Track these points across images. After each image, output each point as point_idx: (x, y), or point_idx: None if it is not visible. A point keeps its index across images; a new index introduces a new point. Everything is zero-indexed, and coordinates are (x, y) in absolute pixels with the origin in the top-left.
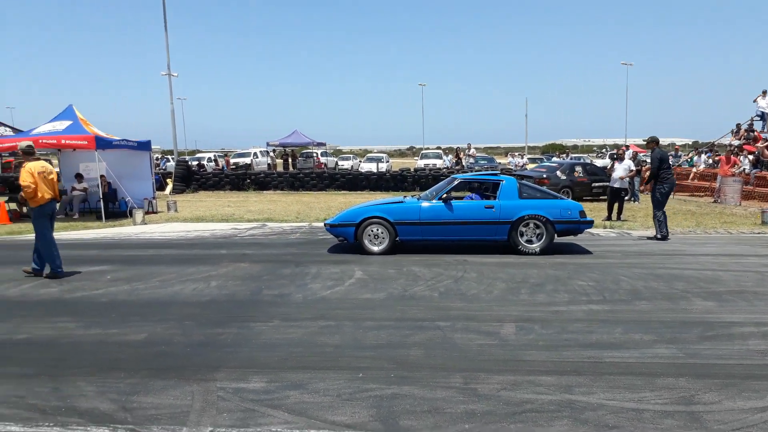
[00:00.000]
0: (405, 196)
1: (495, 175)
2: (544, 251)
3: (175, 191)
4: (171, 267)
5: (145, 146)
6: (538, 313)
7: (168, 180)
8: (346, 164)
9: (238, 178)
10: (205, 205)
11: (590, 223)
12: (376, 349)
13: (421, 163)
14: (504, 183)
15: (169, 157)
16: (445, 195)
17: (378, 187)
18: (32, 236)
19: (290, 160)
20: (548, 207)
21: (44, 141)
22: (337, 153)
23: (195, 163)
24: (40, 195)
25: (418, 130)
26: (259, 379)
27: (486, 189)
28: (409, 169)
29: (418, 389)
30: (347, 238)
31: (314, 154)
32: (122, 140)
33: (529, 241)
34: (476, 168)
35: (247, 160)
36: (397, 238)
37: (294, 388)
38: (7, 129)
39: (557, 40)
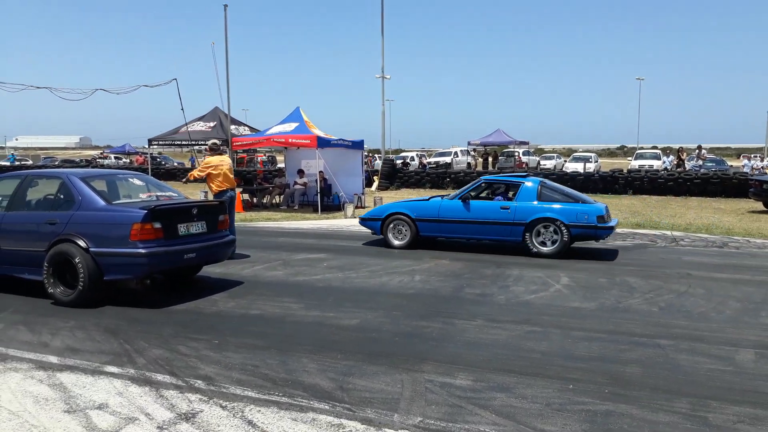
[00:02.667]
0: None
1: (518, 176)
2: (559, 255)
3: (380, 188)
4: (377, 259)
5: (358, 145)
6: None
7: (374, 177)
8: (548, 164)
9: (438, 177)
10: None
11: (609, 229)
12: (588, 361)
13: (635, 163)
14: (524, 185)
15: (375, 155)
16: (464, 194)
17: (585, 189)
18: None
19: (490, 159)
20: (564, 211)
21: (275, 140)
22: (539, 152)
23: (400, 161)
24: (215, 185)
25: (631, 127)
26: (465, 376)
27: (508, 190)
28: (621, 170)
29: (637, 409)
30: (375, 232)
31: (515, 153)
32: (339, 140)
33: (543, 244)
34: (701, 171)
35: (447, 159)
36: (420, 234)
37: (501, 391)
38: (246, 129)
39: None
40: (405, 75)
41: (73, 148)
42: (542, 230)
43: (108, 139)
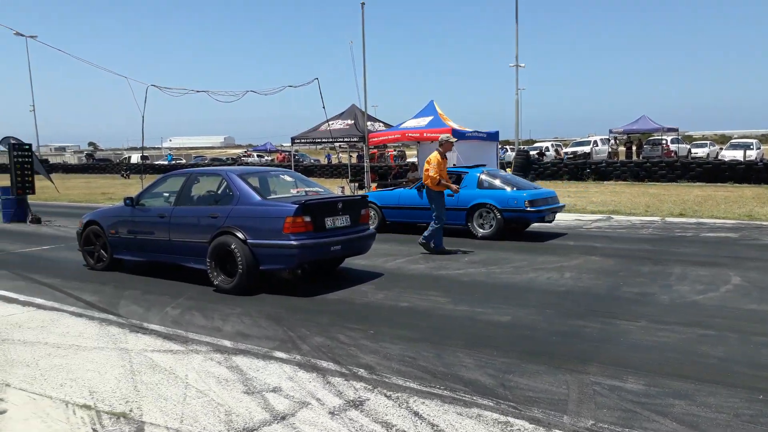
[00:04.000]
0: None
1: (465, 168)
2: (493, 237)
3: None
4: (520, 254)
5: (493, 137)
6: None
7: (507, 169)
8: (700, 152)
9: (577, 168)
10: None
11: (537, 213)
12: None
13: None
14: (467, 174)
15: (507, 147)
16: (419, 184)
17: (746, 179)
18: None
19: (633, 148)
20: (496, 196)
21: (409, 134)
22: (687, 139)
23: (534, 152)
24: (442, 182)
25: None
26: (636, 380)
27: (456, 180)
28: None
29: None
30: None
31: (663, 141)
32: (474, 132)
33: (482, 226)
34: None
35: (586, 149)
36: (387, 221)
37: (679, 397)
38: (381, 125)
39: None
40: (537, 62)
41: (219, 148)
42: (478, 215)
43: (249, 138)
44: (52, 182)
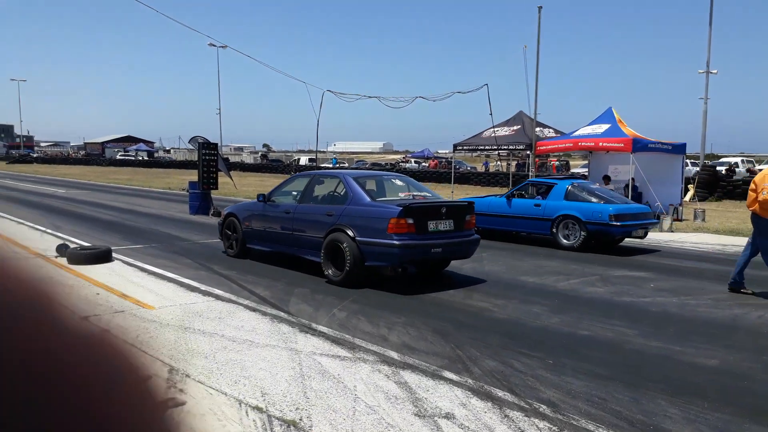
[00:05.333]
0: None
1: (554, 179)
2: (580, 249)
3: (696, 198)
4: (717, 285)
5: (679, 149)
6: None
7: (689, 186)
8: None
9: None
10: (737, 216)
11: (622, 228)
12: None
13: None
14: (556, 186)
15: (687, 161)
16: (509, 193)
17: None
18: None
19: None
20: (580, 208)
21: (583, 143)
22: None
23: (722, 168)
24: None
25: None
26: None
27: (545, 191)
28: None
29: None
30: None
31: None
32: (657, 143)
33: (566, 237)
34: None
35: None
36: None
37: None
38: (550, 131)
39: None
40: (727, 69)
41: (378, 153)
42: (562, 226)
43: (407, 145)
44: (232, 179)
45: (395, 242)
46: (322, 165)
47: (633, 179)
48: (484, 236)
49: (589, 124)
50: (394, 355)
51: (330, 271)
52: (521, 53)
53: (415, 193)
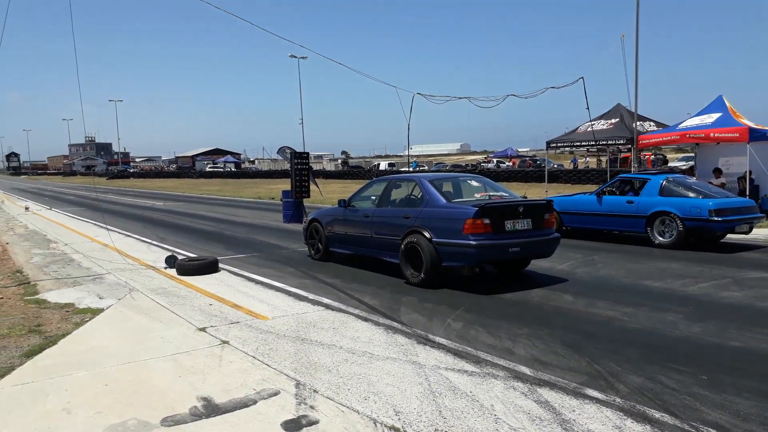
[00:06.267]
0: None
1: (648, 174)
2: (676, 246)
3: None
4: None
5: None
6: None
7: None
8: None
9: None
10: None
11: (724, 223)
12: None
13: None
14: (649, 181)
15: None
16: (599, 190)
17: None
18: None
19: None
20: (677, 204)
21: (691, 135)
22: None
23: None
24: None
25: None
26: None
27: (638, 187)
28: None
29: None
30: None
31: None
32: None
33: (662, 234)
34: None
35: None
36: (565, 227)
37: None
38: (651, 124)
39: None
40: None
41: (455, 154)
42: (658, 223)
43: (485, 145)
44: (318, 187)
45: (472, 242)
46: (402, 169)
47: (750, 171)
48: (573, 235)
49: (696, 115)
50: (525, 370)
51: (408, 272)
52: (618, 44)
53: (491, 194)
